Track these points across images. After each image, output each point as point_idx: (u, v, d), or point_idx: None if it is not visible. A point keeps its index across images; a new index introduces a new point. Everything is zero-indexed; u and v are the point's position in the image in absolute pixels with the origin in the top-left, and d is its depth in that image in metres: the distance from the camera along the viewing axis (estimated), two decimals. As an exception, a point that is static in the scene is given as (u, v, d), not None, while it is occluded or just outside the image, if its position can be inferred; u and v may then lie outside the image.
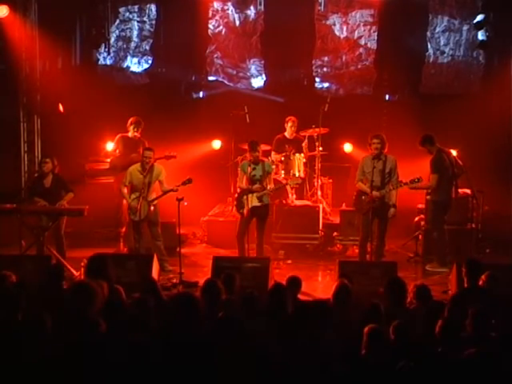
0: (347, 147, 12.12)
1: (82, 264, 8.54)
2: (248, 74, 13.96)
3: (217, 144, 12.26)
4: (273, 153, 11.11)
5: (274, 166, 10.43)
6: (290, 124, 11.24)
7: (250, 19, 13.83)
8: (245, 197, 9.66)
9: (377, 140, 9.46)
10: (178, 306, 5.79)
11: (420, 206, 10.72)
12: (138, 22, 13.92)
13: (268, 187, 9.70)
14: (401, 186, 9.33)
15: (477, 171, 11.01)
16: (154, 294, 6.68)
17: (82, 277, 8.24)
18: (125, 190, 9.83)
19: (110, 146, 11.97)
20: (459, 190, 10.13)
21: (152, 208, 9.66)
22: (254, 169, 9.66)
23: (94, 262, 7.13)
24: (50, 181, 9.68)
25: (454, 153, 10.27)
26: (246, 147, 9.97)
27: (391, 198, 9.38)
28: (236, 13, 13.82)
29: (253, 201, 9.61)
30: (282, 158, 11.03)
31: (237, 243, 9.79)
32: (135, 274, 8.42)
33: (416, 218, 10.77)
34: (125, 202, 10.28)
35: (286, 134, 11.34)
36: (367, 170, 9.49)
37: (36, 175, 9.73)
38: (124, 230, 10.47)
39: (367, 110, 12.57)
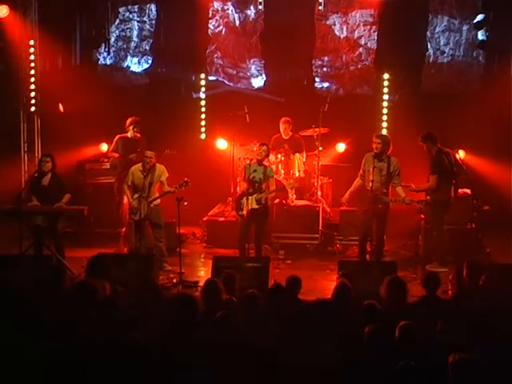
0: (341, 147, 12.14)
1: (83, 265, 8.53)
2: (248, 73, 13.96)
3: (222, 144, 12.24)
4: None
5: (274, 166, 10.49)
6: (282, 126, 11.30)
7: (250, 19, 13.82)
8: (244, 199, 9.67)
9: (377, 140, 9.48)
10: (177, 306, 5.81)
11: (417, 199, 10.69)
12: (137, 21, 13.93)
13: (268, 190, 9.73)
14: (407, 203, 9.41)
15: (476, 171, 11.04)
16: (154, 293, 6.70)
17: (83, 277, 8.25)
18: (127, 191, 9.83)
19: (104, 147, 12.01)
20: (459, 190, 10.13)
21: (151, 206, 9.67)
22: (254, 171, 9.68)
23: (96, 262, 7.14)
24: (49, 180, 9.64)
25: (461, 153, 10.29)
26: (252, 146, 10.02)
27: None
28: (236, 13, 13.82)
29: (251, 203, 9.62)
30: (282, 158, 11.06)
31: (238, 246, 9.79)
32: (135, 274, 8.42)
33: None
34: (125, 201, 10.30)
35: (282, 135, 11.37)
36: (367, 168, 9.51)
37: (36, 174, 9.68)
38: (124, 229, 10.47)
39: (367, 109, 12.58)
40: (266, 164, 10.01)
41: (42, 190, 9.58)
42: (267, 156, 9.98)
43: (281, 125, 11.33)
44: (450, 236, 9.93)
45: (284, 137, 11.37)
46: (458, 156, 10.07)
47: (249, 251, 9.81)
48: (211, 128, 12.81)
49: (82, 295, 5.97)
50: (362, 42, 13.68)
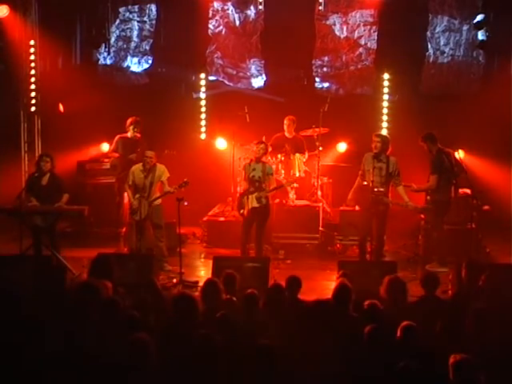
0: (342, 147, 12.15)
1: (83, 265, 8.54)
2: (248, 73, 13.96)
3: (221, 143, 12.25)
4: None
5: (274, 166, 10.49)
6: (287, 122, 11.29)
7: (250, 19, 13.82)
8: (245, 198, 9.69)
9: (377, 139, 9.48)
10: (177, 306, 5.82)
11: (420, 206, 10.71)
12: (138, 21, 13.92)
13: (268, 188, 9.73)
14: (410, 209, 9.48)
15: (476, 171, 11.04)
16: (154, 293, 6.70)
17: (84, 277, 8.25)
18: (129, 190, 9.82)
19: (105, 146, 12.02)
20: (459, 190, 10.13)
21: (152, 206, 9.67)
22: (253, 169, 9.69)
23: (99, 262, 7.14)
24: (47, 180, 9.61)
25: (461, 153, 10.30)
26: (252, 146, 10.01)
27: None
28: (236, 13, 13.81)
29: (252, 202, 9.63)
30: (283, 158, 11.06)
31: (240, 245, 9.80)
32: (136, 274, 8.41)
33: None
34: (125, 201, 10.30)
35: (285, 133, 11.38)
36: (367, 168, 9.51)
37: (36, 174, 9.67)
38: (124, 229, 10.47)
39: (367, 109, 12.58)
40: (265, 161, 10.02)
41: (40, 190, 9.55)
42: (265, 153, 9.98)
43: (285, 121, 11.32)
44: (449, 236, 9.94)
45: (287, 135, 11.36)
46: (457, 156, 10.08)
47: (249, 251, 9.82)
48: (211, 128, 12.82)
49: (85, 295, 5.96)
50: (362, 41, 13.67)
